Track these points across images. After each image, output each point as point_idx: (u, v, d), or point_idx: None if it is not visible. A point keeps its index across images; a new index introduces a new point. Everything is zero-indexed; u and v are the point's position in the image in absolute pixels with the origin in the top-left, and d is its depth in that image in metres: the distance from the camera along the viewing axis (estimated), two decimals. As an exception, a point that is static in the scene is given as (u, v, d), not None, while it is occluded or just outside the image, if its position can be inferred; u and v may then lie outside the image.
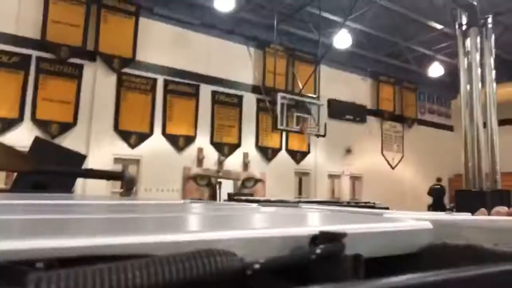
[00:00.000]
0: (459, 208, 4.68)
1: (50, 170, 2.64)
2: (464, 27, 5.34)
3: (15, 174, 3.77)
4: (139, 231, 0.30)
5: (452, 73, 14.05)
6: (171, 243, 0.28)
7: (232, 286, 0.27)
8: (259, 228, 0.33)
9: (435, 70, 13.36)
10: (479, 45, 5.32)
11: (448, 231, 0.45)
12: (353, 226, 0.37)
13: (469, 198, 4.77)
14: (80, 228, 0.35)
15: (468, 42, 5.31)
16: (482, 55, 5.37)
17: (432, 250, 0.42)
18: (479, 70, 5.19)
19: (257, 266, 0.26)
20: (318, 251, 0.29)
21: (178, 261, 0.24)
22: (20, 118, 8.01)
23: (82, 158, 3.92)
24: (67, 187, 3.60)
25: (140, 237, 0.28)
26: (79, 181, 7.75)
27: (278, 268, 0.28)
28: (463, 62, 5.24)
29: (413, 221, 0.43)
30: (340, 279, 0.30)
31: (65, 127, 8.40)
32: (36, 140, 3.56)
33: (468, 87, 5.14)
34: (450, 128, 15.62)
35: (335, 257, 0.31)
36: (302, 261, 0.29)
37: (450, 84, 14.80)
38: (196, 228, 0.37)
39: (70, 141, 8.07)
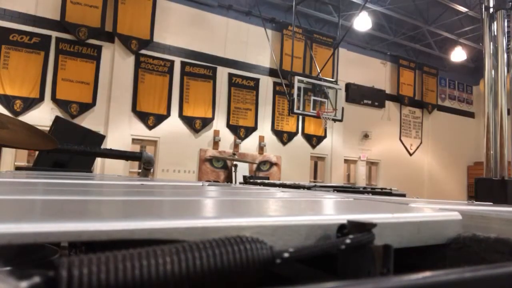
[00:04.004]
0: (479, 197, 4.60)
1: (70, 149, 2.69)
2: (491, 10, 5.14)
3: (37, 152, 3.87)
4: (166, 216, 0.30)
5: (475, 58, 13.68)
6: (199, 228, 0.28)
7: (259, 274, 0.26)
8: (286, 215, 0.33)
9: (458, 54, 12.98)
10: (506, 29, 5.13)
11: (477, 223, 0.44)
12: (382, 215, 0.36)
13: (489, 187, 4.68)
14: (106, 211, 0.35)
15: (494, 25, 5.12)
16: (509, 40, 5.18)
17: (460, 241, 0.41)
18: (505, 55, 5.02)
19: (286, 255, 0.26)
20: (348, 241, 0.29)
21: (208, 247, 0.24)
22: (41, 98, 8.16)
23: (101, 138, 4.00)
24: (86, 166, 3.68)
25: (168, 222, 0.28)
26: (98, 160, 7.91)
27: (307, 257, 0.27)
28: (489, 47, 5.07)
29: (442, 211, 0.42)
30: (370, 270, 0.30)
31: (85, 107, 8.52)
32: (57, 119, 3.64)
33: (493, 72, 4.99)
34: (471, 114, 15.27)
35: (365, 247, 0.30)
36: (331, 250, 0.29)
37: (472, 69, 14.40)
38: (222, 213, 0.37)
39: (89, 121, 8.20)
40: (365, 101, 12.49)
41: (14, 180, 1.00)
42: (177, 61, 9.60)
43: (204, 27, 9.96)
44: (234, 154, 8.82)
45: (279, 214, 0.35)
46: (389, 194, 4.35)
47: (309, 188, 4.12)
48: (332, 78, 9.37)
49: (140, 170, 3.55)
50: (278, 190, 0.82)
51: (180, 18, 9.70)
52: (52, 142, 1.87)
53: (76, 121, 7.94)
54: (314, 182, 11.08)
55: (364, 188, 4.86)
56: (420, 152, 13.80)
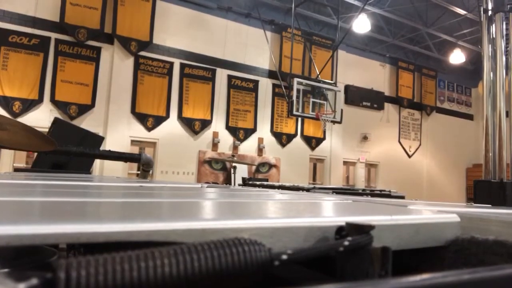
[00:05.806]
0: (478, 199, 4.60)
1: (69, 150, 2.68)
2: (489, 13, 5.16)
3: (35, 154, 3.86)
4: (165, 218, 0.30)
5: (474, 60, 13.70)
6: (197, 230, 0.28)
7: (257, 276, 0.26)
8: (284, 217, 0.33)
9: (456, 57, 13.00)
10: (504, 32, 5.14)
11: (476, 225, 0.44)
12: (380, 217, 0.36)
13: (488, 189, 4.68)
14: (104, 212, 0.35)
15: (493, 28, 5.13)
16: (507, 42, 5.20)
17: (459, 243, 0.41)
18: (504, 58, 5.03)
19: (285, 257, 0.26)
20: (346, 243, 0.29)
21: (206, 249, 0.24)
22: (40, 99, 8.15)
23: (100, 139, 3.99)
24: (85, 168, 3.68)
25: (166, 223, 0.28)
26: (97, 162, 7.90)
27: (305, 259, 0.27)
28: (487, 49, 5.08)
29: (440, 213, 0.42)
30: (368, 272, 0.30)
31: (84, 109, 8.52)
32: (56, 121, 3.63)
33: (492, 75, 5.00)
34: (469, 117, 15.28)
35: (363, 249, 0.30)
36: (329, 253, 0.29)
37: (471, 71, 14.42)
38: (220, 215, 0.37)
39: (88, 123, 8.20)
40: (364, 103, 12.51)
41: (12, 182, 0.99)
42: (177, 62, 9.60)
43: (204, 29, 9.97)
44: (233, 155, 8.81)
45: (278, 216, 0.35)
46: (388, 196, 4.35)
47: (308, 190, 4.12)
48: (331, 80, 9.37)
49: (139, 172, 3.55)
50: (277, 192, 0.82)
51: (179, 20, 9.71)
52: (51, 144, 1.87)
53: (75, 122, 7.92)
54: (313, 184, 11.07)
55: (363, 190, 4.86)
56: (419, 154, 13.82)
